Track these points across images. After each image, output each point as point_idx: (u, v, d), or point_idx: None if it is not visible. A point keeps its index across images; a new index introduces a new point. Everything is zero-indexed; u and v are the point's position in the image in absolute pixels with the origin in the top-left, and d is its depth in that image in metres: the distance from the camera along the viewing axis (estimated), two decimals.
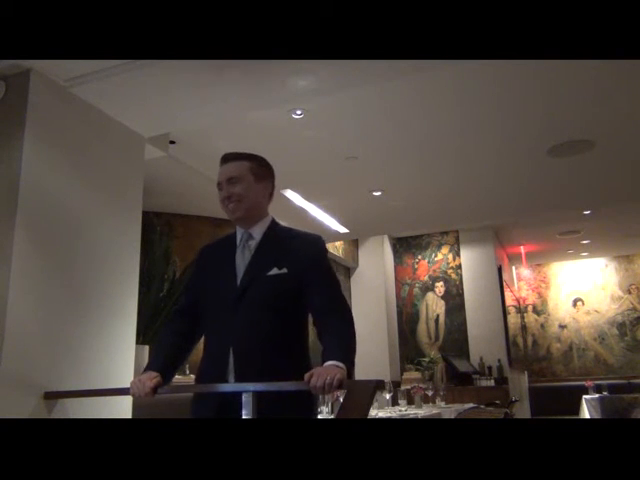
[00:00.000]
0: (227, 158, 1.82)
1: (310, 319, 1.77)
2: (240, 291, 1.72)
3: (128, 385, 1.72)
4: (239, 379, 1.64)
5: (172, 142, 3.50)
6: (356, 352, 1.65)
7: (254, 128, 3.56)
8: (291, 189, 4.70)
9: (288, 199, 4.84)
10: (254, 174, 1.81)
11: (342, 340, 1.64)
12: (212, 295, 1.79)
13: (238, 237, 1.83)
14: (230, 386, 1.62)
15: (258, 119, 3.40)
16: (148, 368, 1.73)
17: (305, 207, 5.07)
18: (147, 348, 3.18)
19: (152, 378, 1.65)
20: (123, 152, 2.77)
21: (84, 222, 2.46)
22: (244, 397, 1.57)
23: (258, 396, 1.57)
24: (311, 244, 1.80)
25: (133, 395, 1.67)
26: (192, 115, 2.86)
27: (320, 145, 3.90)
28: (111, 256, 2.55)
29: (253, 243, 1.80)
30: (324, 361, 1.56)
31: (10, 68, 2.30)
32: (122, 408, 2.38)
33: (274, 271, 1.72)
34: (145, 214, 2.88)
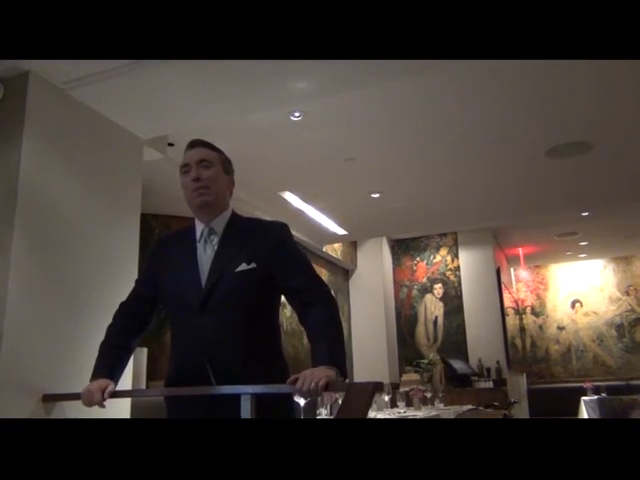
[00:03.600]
0: (196, 144, 1.75)
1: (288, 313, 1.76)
2: (207, 291, 1.63)
3: (127, 387, 1.72)
4: (219, 382, 1.61)
5: (170, 144, 3.49)
6: (344, 343, 1.64)
7: (252, 130, 3.56)
8: (289, 191, 4.70)
9: (286, 201, 4.83)
10: (223, 166, 1.77)
11: (331, 338, 1.59)
12: (175, 294, 1.71)
13: (198, 232, 1.73)
14: (229, 388, 1.60)
15: (256, 121, 3.40)
16: (96, 374, 1.74)
17: (303, 209, 5.06)
18: (145, 350, 3.16)
19: (101, 389, 1.67)
20: (121, 154, 2.77)
21: (82, 224, 2.46)
22: (243, 399, 1.55)
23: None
24: (274, 231, 1.73)
25: (84, 404, 1.70)
26: (190, 117, 2.86)
27: (319, 147, 3.89)
28: (109, 258, 2.55)
29: (215, 238, 1.71)
30: (315, 363, 1.54)
31: (9, 70, 2.29)
32: (121, 409, 2.37)
33: (243, 266, 1.64)
34: (143, 216, 2.88)
